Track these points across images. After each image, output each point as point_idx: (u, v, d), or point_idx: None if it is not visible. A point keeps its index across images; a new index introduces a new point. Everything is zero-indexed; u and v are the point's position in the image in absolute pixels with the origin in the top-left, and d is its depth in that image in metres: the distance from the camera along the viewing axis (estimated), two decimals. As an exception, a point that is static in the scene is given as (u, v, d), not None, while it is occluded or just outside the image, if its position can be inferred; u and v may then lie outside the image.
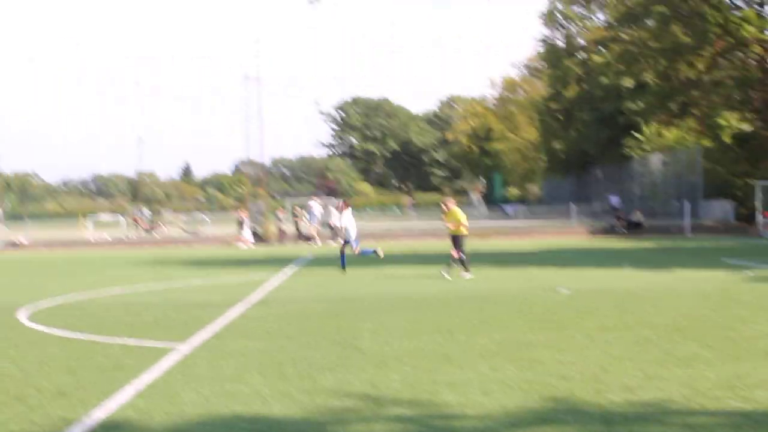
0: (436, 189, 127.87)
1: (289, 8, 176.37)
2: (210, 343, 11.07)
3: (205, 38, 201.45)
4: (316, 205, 45.88)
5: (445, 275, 19.96)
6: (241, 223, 44.79)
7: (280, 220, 46.52)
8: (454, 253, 20.43)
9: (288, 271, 23.84)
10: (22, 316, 14.29)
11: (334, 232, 40.96)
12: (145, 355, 10.21)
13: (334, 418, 7.14)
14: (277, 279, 21.19)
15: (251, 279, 21.24)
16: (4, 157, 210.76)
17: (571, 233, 44.38)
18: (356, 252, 23.70)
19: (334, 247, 34.12)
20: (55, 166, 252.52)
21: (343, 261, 22.96)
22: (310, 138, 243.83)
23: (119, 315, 14.28)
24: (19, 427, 7.05)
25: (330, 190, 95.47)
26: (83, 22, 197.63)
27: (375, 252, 24.11)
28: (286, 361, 9.60)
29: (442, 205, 21.37)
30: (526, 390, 7.96)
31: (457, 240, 20.55)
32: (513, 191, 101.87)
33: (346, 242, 23.48)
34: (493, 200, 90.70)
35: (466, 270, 20.28)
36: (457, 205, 21.45)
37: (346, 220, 23.72)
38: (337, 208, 32.48)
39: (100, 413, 7.42)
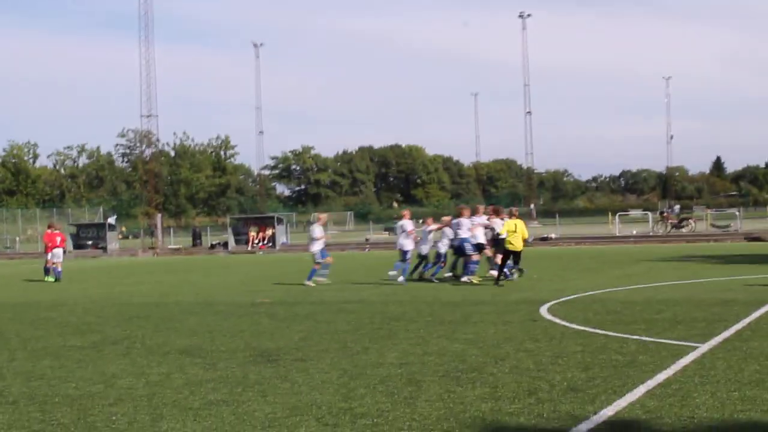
0: None
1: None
2: (732, 344, 10.42)
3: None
4: None
5: None
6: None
7: None
8: None
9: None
10: (544, 310, 14.63)
11: None
12: (661, 353, 9.87)
13: None
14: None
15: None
16: (540, 157, 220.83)
17: None
18: None
19: None
20: (587, 163, 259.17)
21: None
22: None
23: (639, 311, 14.03)
24: (528, 420, 7.12)
25: None
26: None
27: None
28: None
29: None
30: None
31: None
32: None
33: None
34: None
35: None
36: None
37: None
38: None
39: (609, 411, 7.25)
